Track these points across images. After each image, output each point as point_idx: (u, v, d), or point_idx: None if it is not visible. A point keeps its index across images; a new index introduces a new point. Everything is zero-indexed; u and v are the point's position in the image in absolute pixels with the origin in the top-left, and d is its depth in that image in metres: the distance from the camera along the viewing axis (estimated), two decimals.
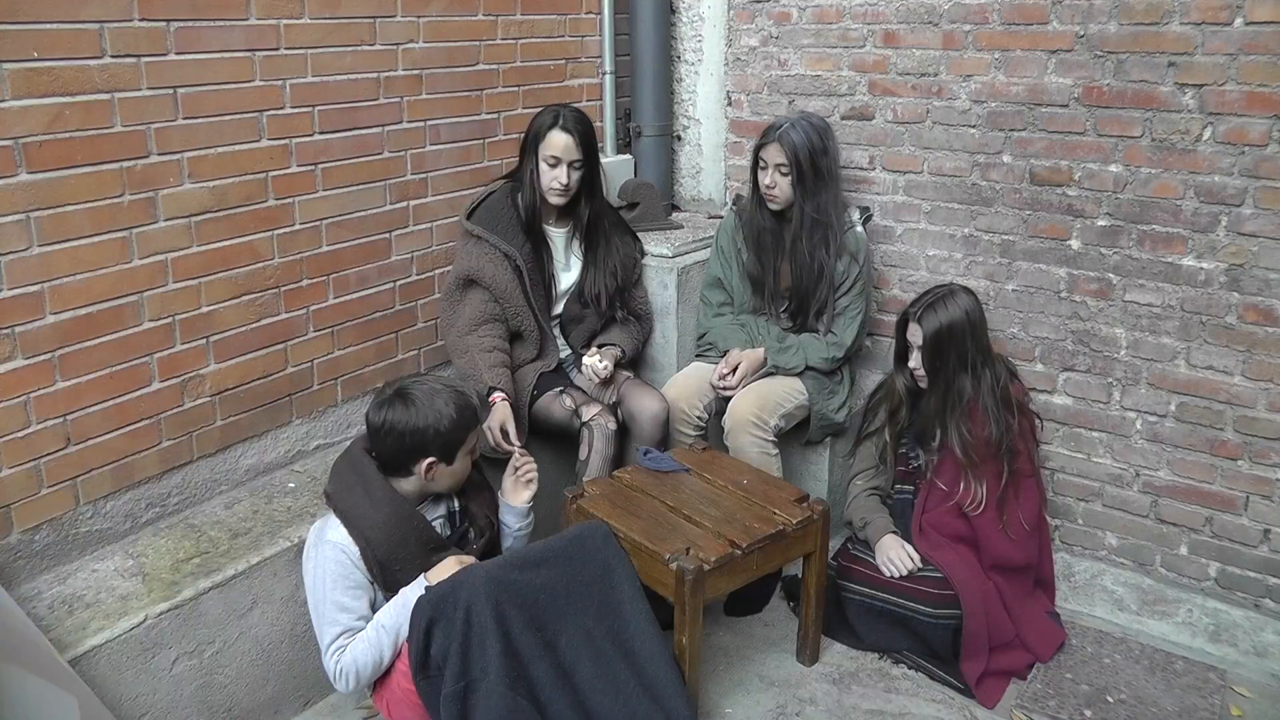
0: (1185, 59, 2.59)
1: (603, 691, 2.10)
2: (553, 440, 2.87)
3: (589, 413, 2.70)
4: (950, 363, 2.56)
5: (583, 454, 2.69)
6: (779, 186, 2.83)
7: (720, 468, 2.65)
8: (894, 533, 2.64)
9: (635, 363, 3.10)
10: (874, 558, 2.62)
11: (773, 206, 2.89)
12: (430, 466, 2.14)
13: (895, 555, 2.58)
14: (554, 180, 2.75)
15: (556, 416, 2.75)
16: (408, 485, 2.18)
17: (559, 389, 2.79)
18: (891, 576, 2.56)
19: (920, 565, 2.56)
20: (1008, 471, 2.56)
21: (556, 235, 2.89)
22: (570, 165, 2.74)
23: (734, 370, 2.88)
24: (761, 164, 2.86)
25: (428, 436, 2.11)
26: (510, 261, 2.75)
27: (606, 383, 2.84)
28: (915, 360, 2.60)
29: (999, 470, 2.57)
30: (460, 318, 2.75)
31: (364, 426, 2.23)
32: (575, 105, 2.90)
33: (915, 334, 2.59)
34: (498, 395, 2.64)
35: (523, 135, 2.81)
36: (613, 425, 2.70)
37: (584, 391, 2.83)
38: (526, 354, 2.83)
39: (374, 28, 2.63)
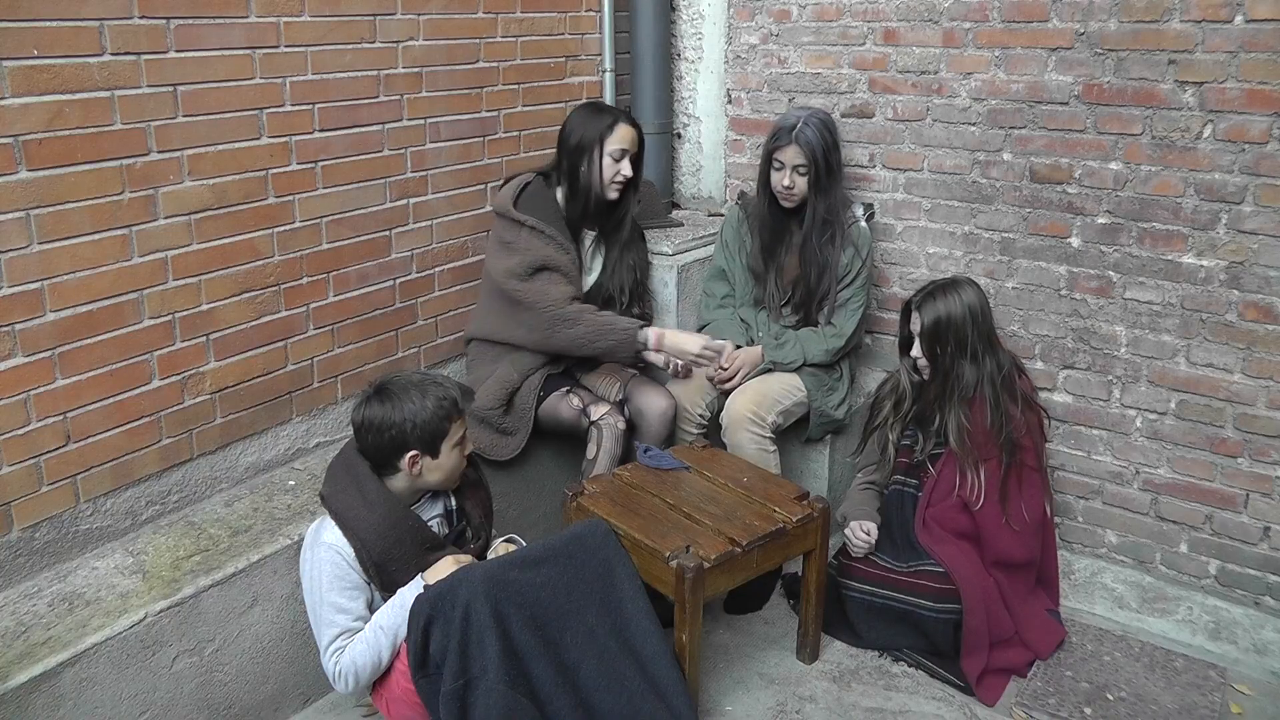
0: (1185, 56, 2.59)
1: (607, 690, 2.10)
2: (556, 439, 2.86)
3: (598, 412, 2.69)
4: (949, 350, 2.56)
5: (590, 453, 2.68)
6: (798, 187, 2.83)
7: (720, 465, 2.65)
8: (861, 519, 2.66)
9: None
10: (874, 555, 2.63)
11: (788, 205, 2.89)
12: (414, 460, 2.13)
13: (856, 532, 2.63)
14: (619, 174, 2.76)
15: (564, 416, 2.73)
16: (399, 484, 2.17)
17: (565, 389, 2.77)
18: (854, 554, 2.63)
19: (872, 540, 2.62)
20: (1007, 461, 2.56)
21: (586, 237, 2.89)
22: (632, 158, 2.77)
23: (721, 355, 2.82)
24: (777, 165, 2.84)
25: (406, 430, 2.10)
26: (567, 255, 2.75)
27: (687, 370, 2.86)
28: (917, 349, 2.61)
29: (999, 461, 2.57)
30: (548, 296, 2.69)
31: None
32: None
33: (915, 321, 2.59)
34: (651, 330, 2.72)
35: (564, 137, 2.79)
36: (622, 425, 2.69)
37: (591, 391, 2.82)
38: (539, 357, 2.78)
39: (374, 25, 2.62)
